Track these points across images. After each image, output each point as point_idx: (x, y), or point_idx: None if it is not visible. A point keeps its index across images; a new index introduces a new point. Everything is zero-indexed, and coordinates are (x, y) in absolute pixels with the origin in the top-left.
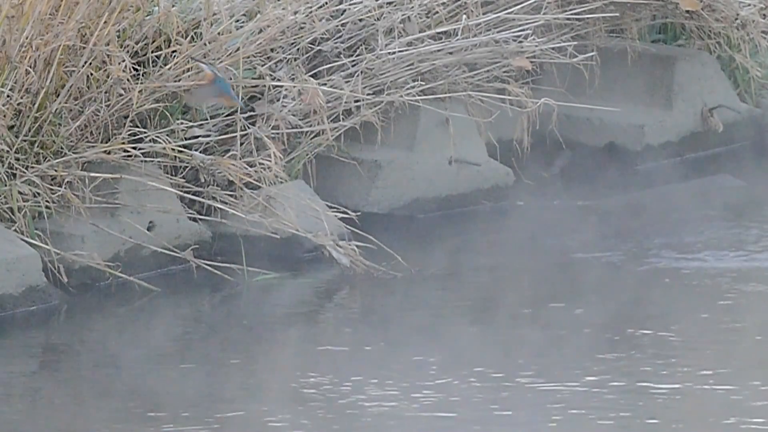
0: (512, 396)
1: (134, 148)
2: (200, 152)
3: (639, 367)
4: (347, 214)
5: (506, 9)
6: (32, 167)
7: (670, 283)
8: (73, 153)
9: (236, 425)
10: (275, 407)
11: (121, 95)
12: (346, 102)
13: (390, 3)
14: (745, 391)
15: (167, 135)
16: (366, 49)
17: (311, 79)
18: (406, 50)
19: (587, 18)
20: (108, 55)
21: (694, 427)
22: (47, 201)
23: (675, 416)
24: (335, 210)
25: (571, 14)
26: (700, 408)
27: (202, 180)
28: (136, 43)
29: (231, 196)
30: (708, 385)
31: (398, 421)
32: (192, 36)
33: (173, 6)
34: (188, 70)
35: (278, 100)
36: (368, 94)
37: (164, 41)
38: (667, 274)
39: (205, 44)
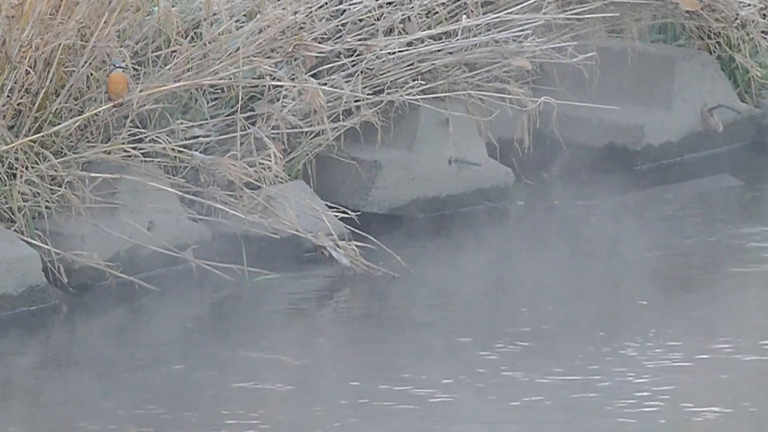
0: (513, 392)
1: (134, 148)
2: (200, 152)
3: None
4: (347, 214)
5: (506, 9)
6: (32, 167)
7: (667, 283)
8: (73, 153)
9: (236, 426)
10: (276, 407)
11: None
12: (346, 102)
13: (390, 3)
14: None
15: (167, 135)
16: (366, 49)
17: (311, 79)
18: (406, 50)
19: (587, 18)
20: (108, 54)
21: None
22: (47, 201)
23: None
24: (335, 210)
25: (571, 14)
26: None
27: (202, 180)
28: (136, 43)
29: (231, 196)
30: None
31: (399, 420)
32: (192, 36)
33: (173, 6)
34: (188, 70)
35: (278, 100)
36: (368, 94)
37: (164, 41)
38: (666, 273)
39: (205, 44)
